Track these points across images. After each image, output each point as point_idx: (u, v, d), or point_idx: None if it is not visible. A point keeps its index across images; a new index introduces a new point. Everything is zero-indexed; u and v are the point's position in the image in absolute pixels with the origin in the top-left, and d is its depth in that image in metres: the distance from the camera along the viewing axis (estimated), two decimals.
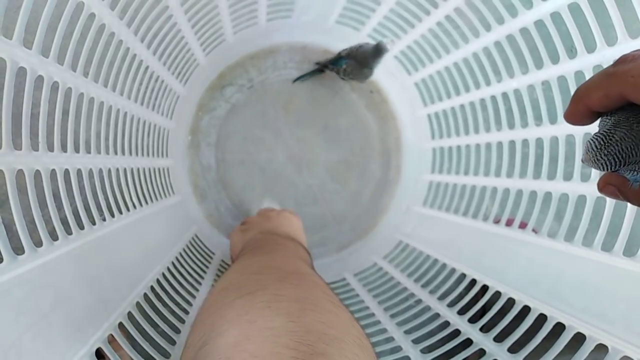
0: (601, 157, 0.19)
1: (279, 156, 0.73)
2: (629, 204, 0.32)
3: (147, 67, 0.52)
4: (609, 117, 0.20)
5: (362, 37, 0.70)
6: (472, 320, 0.46)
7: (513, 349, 0.38)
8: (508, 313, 0.42)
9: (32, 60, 0.31)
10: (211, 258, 0.64)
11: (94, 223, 0.40)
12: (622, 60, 0.18)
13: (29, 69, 0.31)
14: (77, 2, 0.35)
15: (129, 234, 0.46)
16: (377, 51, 0.60)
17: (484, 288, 0.48)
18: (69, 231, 0.35)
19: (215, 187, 0.71)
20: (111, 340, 0.34)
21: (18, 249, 0.28)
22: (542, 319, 0.38)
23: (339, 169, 0.75)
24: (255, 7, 0.62)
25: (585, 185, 0.42)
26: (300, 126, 0.74)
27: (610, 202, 0.38)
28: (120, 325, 0.36)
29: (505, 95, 0.54)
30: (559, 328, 0.37)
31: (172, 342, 0.41)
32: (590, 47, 0.39)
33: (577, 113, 0.21)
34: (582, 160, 0.21)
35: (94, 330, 0.33)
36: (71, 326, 0.31)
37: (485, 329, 0.43)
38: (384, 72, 0.73)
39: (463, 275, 0.52)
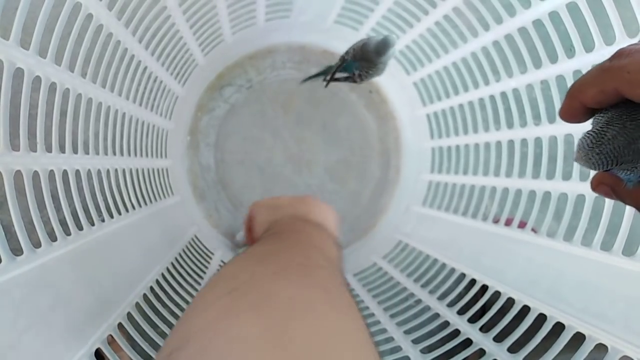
0: (593, 156, 0.18)
1: (278, 156, 0.73)
2: None
3: (145, 68, 0.51)
4: (602, 115, 0.19)
5: (361, 36, 0.70)
6: (472, 320, 0.46)
7: (513, 349, 0.38)
8: (508, 313, 0.42)
9: (30, 61, 0.31)
10: (210, 259, 0.64)
11: (92, 224, 0.39)
12: (618, 55, 0.18)
13: (27, 69, 0.31)
14: (75, 3, 0.35)
15: (128, 235, 0.46)
16: (384, 46, 0.58)
17: (484, 288, 0.48)
18: (67, 232, 0.35)
19: (215, 188, 0.71)
20: (111, 341, 0.34)
21: (17, 250, 0.28)
22: (541, 318, 0.38)
23: (338, 169, 0.75)
24: (254, 7, 0.62)
25: (584, 184, 0.42)
26: (300, 126, 0.73)
27: (609, 201, 0.38)
28: (120, 325, 0.36)
29: (504, 94, 0.54)
30: (559, 328, 0.37)
31: None
32: (589, 47, 0.40)
33: (572, 109, 0.20)
34: (574, 159, 0.20)
35: (93, 330, 0.33)
36: (70, 327, 0.31)
37: (485, 328, 0.43)
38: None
39: (463, 275, 0.52)
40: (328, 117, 0.74)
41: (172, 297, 0.47)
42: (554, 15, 0.42)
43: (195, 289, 0.53)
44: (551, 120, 0.47)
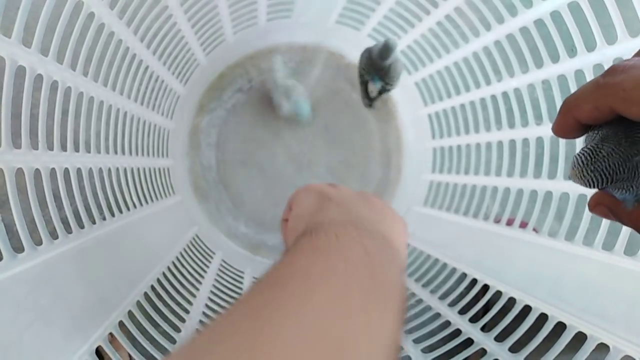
0: (587, 174, 0.18)
1: (279, 156, 0.73)
2: None
3: (147, 67, 0.52)
4: (596, 132, 0.18)
5: (361, 36, 0.70)
6: (473, 319, 0.45)
7: (514, 349, 0.38)
8: (509, 312, 0.42)
9: (32, 58, 0.31)
10: (212, 258, 0.64)
11: (94, 222, 0.40)
12: (613, 71, 0.17)
13: (28, 67, 0.31)
14: (77, 1, 0.35)
15: (130, 234, 0.46)
16: (386, 49, 0.58)
17: (485, 288, 0.48)
18: (69, 230, 0.35)
19: (216, 188, 0.71)
20: (111, 339, 0.34)
21: (18, 248, 0.28)
22: (543, 318, 0.38)
23: (339, 169, 0.75)
24: (255, 7, 0.62)
25: None
26: (301, 126, 0.73)
27: None
28: (121, 324, 0.36)
29: (505, 94, 0.54)
30: (560, 327, 0.36)
31: (173, 341, 0.41)
32: (591, 46, 0.39)
33: (566, 125, 0.19)
34: (568, 176, 0.20)
35: (94, 328, 0.33)
36: (71, 324, 0.31)
37: (486, 328, 0.43)
38: None
39: (464, 275, 0.52)
40: (329, 117, 0.74)
41: (173, 296, 0.48)
42: (555, 15, 0.42)
43: (197, 288, 0.53)
44: (552, 120, 0.47)
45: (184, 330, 0.44)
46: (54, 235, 0.33)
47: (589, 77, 0.41)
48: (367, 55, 0.59)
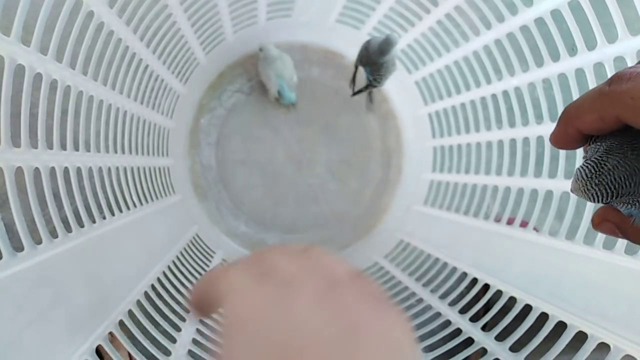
0: (592, 187, 0.17)
1: (279, 155, 0.73)
2: None
3: (146, 66, 0.52)
4: (599, 143, 0.17)
5: (362, 36, 0.69)
6: (474, 319, 0.45)
7: (514, 348, 0.38)
8: (509, 312, 0.42)
9: (31, 57, 0.31)
10: (212, 257, 0.64)
11: (94, 221, 0.39)
12: (619, 79, 0.16)
13: (28, 66, 0.31)
14: (76, 0, 0.35)
15: (130, 233, 0.46)
16: (387, 45, 0.57)
17: (485, 287, 0.48)
18: (68, 229, 0.35)
19: (216, 187, 0.71)
20: (112, 339, 0.34)
21: (18, 247, 0.28)
22: (543, 317, 0.38)
23: (339, 168, 0.75)
24: (255, 6, 0.62)
25: None
26: (301, 125, 0.73)
27: None
28: (121, 323, 0.36)
29: (505, 93, 0.54)
30: (561, 327, 0.36)
31: (173, 340, 0.41)
32: (591, 45, 0.39)
33: (566, 136, 0.18)
34: (570, 190, 0.19)
35: (94, 327, 0.33)
36: (71, 323, 0.31)
37: (486, 328, 0.43)
38: None
39: (464, 274, 0.52)
40: (329, 116, 0.74)
41: (173, 295, 0.47)
42: (556, 14, 0.42)
43: None
44: (553, 119, 0.47)
45: (185, 330, 0.44)
46: (54, 234, 0.33)
47: (590, 75, 0.40)
48: (366, 46, 0.60)
